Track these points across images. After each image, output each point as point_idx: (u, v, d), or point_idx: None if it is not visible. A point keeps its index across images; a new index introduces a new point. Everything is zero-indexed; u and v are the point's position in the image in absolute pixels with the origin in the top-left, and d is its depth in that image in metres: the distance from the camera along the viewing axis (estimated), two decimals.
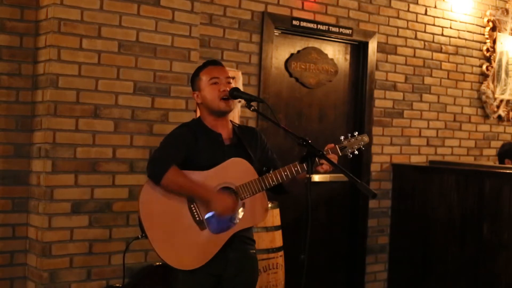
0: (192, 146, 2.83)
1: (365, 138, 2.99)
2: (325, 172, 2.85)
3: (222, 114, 2.91)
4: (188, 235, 2.75)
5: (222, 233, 2.79)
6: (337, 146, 2.91)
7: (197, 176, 2.78)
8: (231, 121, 3.01)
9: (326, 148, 2.89)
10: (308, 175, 2.67)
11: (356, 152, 2.96)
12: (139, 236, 2.80)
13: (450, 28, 5.93)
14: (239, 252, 2.87)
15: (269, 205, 3.95)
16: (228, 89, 2.87)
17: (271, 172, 2.86)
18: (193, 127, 2.90)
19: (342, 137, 2.95)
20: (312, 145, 2.70)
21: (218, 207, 2.75)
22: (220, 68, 2.95)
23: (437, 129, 5.89)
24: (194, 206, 2.78)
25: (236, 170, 2.84)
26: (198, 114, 3.06)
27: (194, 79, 2.97)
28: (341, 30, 5.18)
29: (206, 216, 2.78)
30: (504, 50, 6.32)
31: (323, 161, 2.77)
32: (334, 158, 2.83)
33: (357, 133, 2.98)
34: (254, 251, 2.99)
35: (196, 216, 2.77)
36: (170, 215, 2.76)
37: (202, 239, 2.76)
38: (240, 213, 2.82)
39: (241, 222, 2.83)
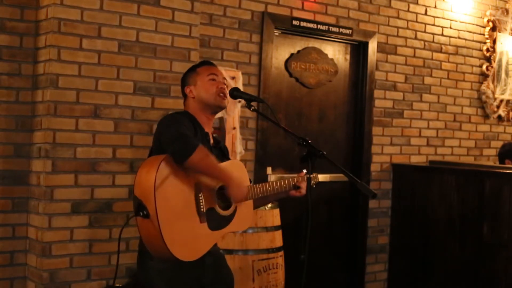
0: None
1: (318, 177, 3.19)
2: (300, 195, 2.97)
3: (216, 110, 2.90)
4: (190, 224, 2.67)
5: (216, 231, 2.76)
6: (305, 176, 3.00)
7: (198, 174, 2.74)
8: None
9: (301, 174, 3.02)
10: (308, 175, 2.67)
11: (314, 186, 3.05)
12: (140, 214, 2.57)
13: (450, 28, 5.93)
14: (212, 255, 2.83)
15: (269, 205, 3.97)
16: (224, 87, 2.88)
17: (260, 183, 2.90)
18: (191, 119, 2.84)
19: (304, 170, 3.02)
20: (312, 145, 2.70)
21: (235, 193, 2.73)
22: (217, 68, 2.97)
23: (437, 129, 5.89)
24: (201, 196, 2.69)
25: (237, 172, 2.84)
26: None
27: (188, 74, 2.93)
28: (341, 30, 5.18)
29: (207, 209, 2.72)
30: (504, 50, 6.32)
31: (300, 184, 2.97)
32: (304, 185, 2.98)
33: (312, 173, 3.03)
34: (220, 249, 3.02)
35: (201, 207, 2.69)
36: (180, 199, 2.65)
37: (200, 232, 2.69)
38: (232, 215, 2.82)
39: (233, 224, 2.83)
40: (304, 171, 2.98)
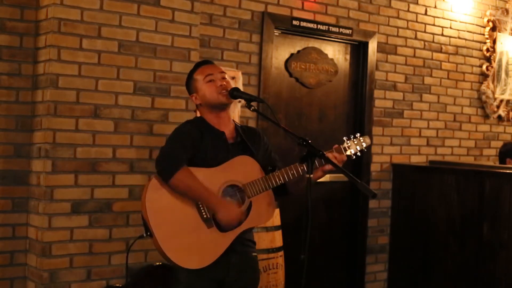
0: (199, 143, 2.81)
1: (367, 140, 3.00)
2: (329, 171, 2.85)
3: (223, 107, 2.91)
4: (196, 233, 2.71)
5: (229, 232, 2.77)
6: (341, 146, 2.92)
7: (204, 173, 2.75)
8: (233, 120, 3.01)
9: (333, 147, 2.91)
10: (308, 175, 2.67)
11: (359, 153, 2.96)
12: (143, 235, 2.73)
13: (450, 28, 5.93)
14: (240, 255, 2.85)
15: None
16: (224, 83, 2.88)
17: (277, 170, 2.86)
18: (199, 124, 2.89)
19: (345, 138, 2.95)
20: (312, 145, 2.70)
21: (223, 217, 2.73)
22: (212, 66, 2.97)
23: (437, 129, 5.89)
24: (201, 204, 2.74)
25: (243, 168, 2.84)
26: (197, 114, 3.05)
27: (189, 82, 2.98)
28: (341, 30, 5.18)
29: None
30: (504, 50, 6.32)
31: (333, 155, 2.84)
32: (341, 158, 2.85)
33: (359, 134, 2.99)
34: (255, 254, 2.98)
35: (204, 214, 2.73)
36: (177, 212, 2.71)
37: (209, 238, 2.73)
38: (247, 211, 2.81)
39: (248, 221, 2.82)
40: (337, 146, 2.91)
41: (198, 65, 2.99)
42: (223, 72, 2.95)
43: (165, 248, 2.66)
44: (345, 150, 2.91)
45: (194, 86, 2.94)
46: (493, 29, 6.21)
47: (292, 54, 5.05)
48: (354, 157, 2.95)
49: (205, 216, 2.74)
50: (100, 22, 3.69)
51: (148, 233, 2.70)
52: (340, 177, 5.10)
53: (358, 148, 2.95)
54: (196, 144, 2.80)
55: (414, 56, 5.70)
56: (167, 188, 2.71)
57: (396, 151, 5.63)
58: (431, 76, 5.82)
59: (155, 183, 2.72)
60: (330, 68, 5.26)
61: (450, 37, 5.93)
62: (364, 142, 2.98)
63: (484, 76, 6.20)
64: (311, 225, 2.55)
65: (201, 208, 2.74)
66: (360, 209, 5.43)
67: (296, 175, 2.84)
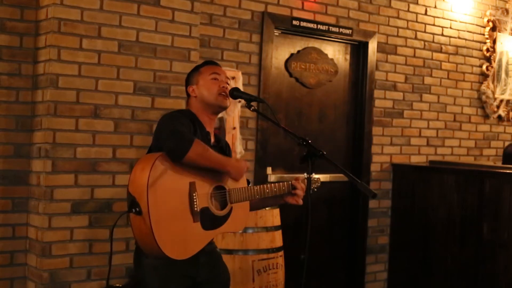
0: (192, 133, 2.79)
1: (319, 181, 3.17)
2: (296, 203, 2.94)
3: (218, 110, 2.90)
4: (182, 224, 2.66)
5: (209, 231, 2.74)
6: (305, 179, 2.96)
7: (192, 173, 2.71)
8: None
9: (299, 178, 2.99)
10: (308, 175, 2.67)
11: (315, 190, 3.06)
12: (133, 210, 2.58)
13: (450, 28, 5.94)
14: (207, 254, 2.83)
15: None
16: (227, 86, 2.87)
17: (261, 184, 2.89)
18: (191, 117, 2.84)
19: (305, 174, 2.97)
20: (312, 145, 2.70)
21: (235, 172, 2.74)
22: (220, 68, 2.96)
23: (437, 129, 5.89)
24: (195, 195, 2.69)
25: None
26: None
27: (192, 74, 2.94)
28: (341, 30, 5.18)
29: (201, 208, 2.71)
30: (504, 50, 6.32)
31: (296, 191, 2.92)
32: (302, 189, 2.94)
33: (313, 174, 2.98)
34: (217, 248, 3.00)
35: (195, 206, 2.68)
36: (173, 198, 2.65)
37: (193, 231, 2.69)
38: (227, 215, 2.81)
39: (227, 224, 2.81)
40: (302, 175, 2.96)
41: (207, 62, 2.97)
42: (227, 77, 2.94)
43: (155, 229, 2.56)
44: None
45: (196, 78, 2.90)
46: (493, 29, 6.22)
47: (292, 54, 5.05)
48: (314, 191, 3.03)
49: (195, 209, 2.68)
50: (100, 22, 3.69)
51: (137, 209, 2.57)
52: (340, 177, 5.10)
53: (313, 185, 3.04)
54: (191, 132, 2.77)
55: (414, 56, 5.70)
56: (169, 171, 2.63)
57: (396, 151, 5.63)
58: (431, 76, 5.82)
59: (159, 164, 2.61)
60: (330, 68, 5.26)
61: (450, 37, 5.93)
62: (317, 182, 3.13)
63: (484, 76, 6.20)
64: (311, 225, 2.55)
65: (194, 200, 2.69)
66: (360, 209, 5.44)
67: (277, 192, 2.90)
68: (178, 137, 2.61)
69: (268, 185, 2.90)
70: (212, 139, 2.91)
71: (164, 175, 2.63)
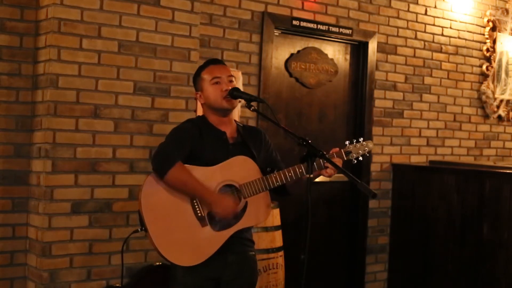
0: (197, 141, 2.81)
1: (370, 145, 2.96)
2: (329, 176, 2.80)
3: (226, 112, 2.91)
4: (189, 231, 2.73)
5: (223, 231, 2.78)
6: (342, 150, 2.89)
7: (201, 171, 2.76)
8: (235, 120, 3.01)
9: (331, 151, 2.88)
10: (308, 175, 2.67)
11: (361, 158, 2.94)
12: (138, 230, 2.77)
13: (450, 28, 5.93)
14: (238, 254, 2.86)
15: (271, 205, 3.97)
16: (230, 88, 2.86)
17: (275, 172, 2.85)
18: (199, 123, 2.89)
19: (347, 142, 2.93)
20: (312, 145, 2.70)
21: (219, 210, 2.74)
22: (222, 67, 2.94)
23: (437, 129, 5.89)
24: (196, 202, 2.75)
25: (241, 168, 2.83)
26: (199, 113, 3.06)
27: (196, 80, 2.96)
28: (341, 30, 5.18)
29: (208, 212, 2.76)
30: (504, 50, 6.32)
31: (328, 164, 2.75)
32: (338, 162, 2.80)
33: (362, 139, 2.96)
34: (254, 253, 2.98)
35: (198, 212, 2.74)
36: (172, 209, 2.73)
37: (203, 236, 2.74)
38: (242, 211, 2.81)
39: (243, 220, 2.82)
40: (336, 149, 2.88)
41: (208, 63, 2.96)
42: (231, 75, 2.92)
43: (157, 243, 2.68)
44: (347, 154, 2.88)
45: (200, 85, 2.92)
46: (493, 29, 6.21)
47: (292, 54, 5.05)
48: (355, 161, 2.93)
49: (199, 214, 2.75)
50: (100, 22, 3.69)
51: (143, 228, 2.72)
52: (340, 177, 5.05)
53: (361, 152, 2.93)
54: (194, 142, 2.80)
55: (414, 56, 5.70)
56: (163, 185, 2.72)
57: (396, 151, 5.63)
58: (431, 76, 5.82)
59: (151, 180, 2.74)
60: (330, 68, 5.26)
61: (450, 37, 5.93)
62: (366, 147, 2.95)
63: (484, 76, 6.20)
64: (311, 225, 2.55)
65: (196, 206, 2.75)
66: (360, 209, 5.44)
67: (294, 177, 2.82)
68: (162, 157, 2.73)
69: (282, 171, 2.82)
70: (232, 135, 2.91)
71: (160, 190, 2.73)
